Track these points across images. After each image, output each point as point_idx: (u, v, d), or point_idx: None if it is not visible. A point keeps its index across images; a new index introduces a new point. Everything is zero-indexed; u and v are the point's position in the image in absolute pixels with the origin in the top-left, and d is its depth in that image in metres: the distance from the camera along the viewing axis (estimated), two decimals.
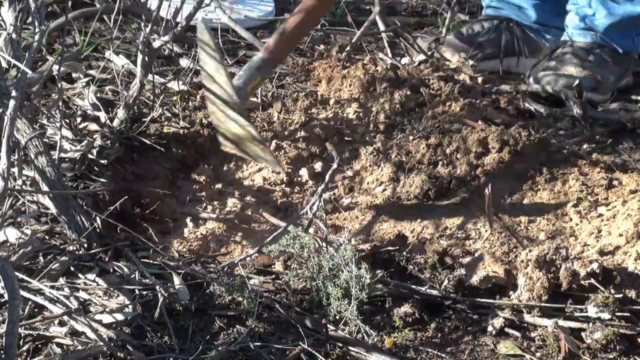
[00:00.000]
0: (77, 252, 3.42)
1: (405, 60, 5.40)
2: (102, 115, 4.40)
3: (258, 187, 4.20)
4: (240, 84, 3.63)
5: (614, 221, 3.69)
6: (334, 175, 4.02)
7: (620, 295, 3.28)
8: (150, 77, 4.46)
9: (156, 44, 4.23)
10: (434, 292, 3.39)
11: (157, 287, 3.18)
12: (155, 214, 3.97)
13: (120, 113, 4.32)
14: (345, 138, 4.40)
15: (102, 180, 3.91)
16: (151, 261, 3.46)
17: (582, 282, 3.35)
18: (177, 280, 3.31)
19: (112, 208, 3.64)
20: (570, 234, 3.62)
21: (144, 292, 3.25)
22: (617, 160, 4.15)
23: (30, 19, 3.68)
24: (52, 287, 3.20)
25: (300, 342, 3.06)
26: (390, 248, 3.60)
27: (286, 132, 4.41)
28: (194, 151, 4.39)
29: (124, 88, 4.50)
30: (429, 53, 5.35)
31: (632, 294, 3.33)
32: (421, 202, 3.93)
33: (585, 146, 4.40)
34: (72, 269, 3.36)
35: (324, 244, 3.42)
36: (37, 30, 3.55)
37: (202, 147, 4.40)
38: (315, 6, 3.93)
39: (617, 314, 3.24)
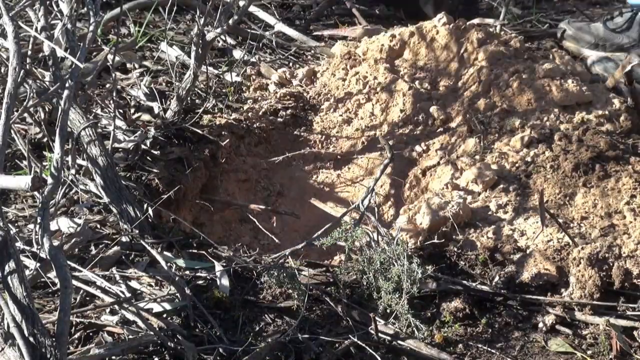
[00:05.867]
0: (129, 242, 3.44)
1: None
2: (156, 106, 4.42)
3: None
4: None
5: None
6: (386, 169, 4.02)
7: None
8: (203, 68, 4.48)
9: (210, 35, 4.25)
10: (485, 288, 3.37)
11: (207, 278, 3.21)
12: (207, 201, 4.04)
13: (174, 104, 4.34)
14: None
15: (155, 170, 3.93)
16: (202, 252, 3.47)
17: (635, 280, 3.32)
18: (219, 271, 3.32)
19: (164, 197, 3.67)
20: (624, 232, 3.58)
21: (194, 283, 3.27)
22: None
23: (85, 9, 3.70)
24: (104, 276, 3.23)
25: (349, 335, 3.06)
26: (440, 240, 3.61)
27: None
28: (244, 142, 4.43)
29: (178, 79, 4.51)
30: None
31: None
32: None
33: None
34: (123, 258, 3.38)
35: (375, 238, 3.42)
36: (92, 20, 3.57)
37: (251, 137, 4.44)
38: None
39: None
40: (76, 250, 3.40)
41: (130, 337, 2.93)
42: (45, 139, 3.94)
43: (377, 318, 3.12)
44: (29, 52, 3.87)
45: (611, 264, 3.34)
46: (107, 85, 4.64)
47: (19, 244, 3.25)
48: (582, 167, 3.90)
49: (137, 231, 3.46)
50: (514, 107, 4.46)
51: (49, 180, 2.83)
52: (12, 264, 2.65)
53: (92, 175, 3.62)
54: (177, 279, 3.17)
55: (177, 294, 3.14)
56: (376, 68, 4.98)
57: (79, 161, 3.70)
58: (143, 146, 4.03)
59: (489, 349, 3.12)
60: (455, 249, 3.56)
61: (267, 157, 4.56)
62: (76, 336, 2.97)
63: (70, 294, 2.63)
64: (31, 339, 2.52)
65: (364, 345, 3.03)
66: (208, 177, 4.23)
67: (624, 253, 3.41)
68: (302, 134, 4.75)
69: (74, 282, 3.09)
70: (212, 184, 4.27)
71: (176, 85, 4.42)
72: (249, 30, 5.55)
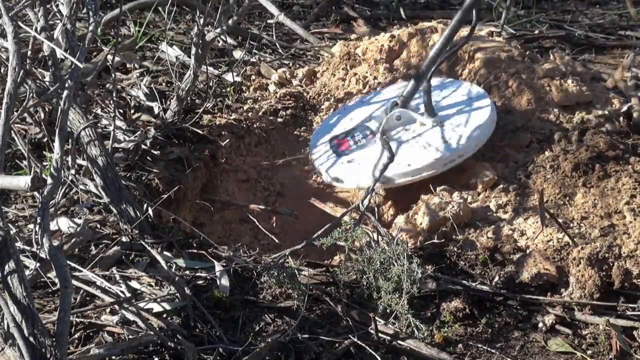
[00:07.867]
0: (129, 242, 3.44)
1: None
2: (156, 106, 4.42)
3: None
4: None
5: None
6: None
7: None
8: (203, 68, 4.48)
9: (210, 35, 4.25)
10: (485, 288, 3.37)
11: (207, 278, 3.21)
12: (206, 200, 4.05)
13: (174, 104, 4.34)
14: None
15: (155, 170, 3.93)
16: (202, 252, 3.47)
17: (635, 280, 3.32)
18: (219, 271, 3.31)
19: (164, 197, 3.67)
20: (624, 232, 3.58)
21: (194, 283, 3.27)
22: None
23: (85, 10, 3.71)
24: (104, 276, 3.23)
25: (349, 335, 3.06)
26: (440, 240, 3.61)
27: None
28: (244, 142, 4.44)
29: (178, 79, 4.51)
30: None
31: None
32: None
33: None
34: (123, 258, 3.38)
35: (375, 238, 3.42)
36: (91, 20, 3.57)
37: (251, 137, 4.44)
38: None
39: None
40: (76, 250, 3.40)
41: (130, 337, 2.93)
42: (45, 139, 3.94)
43: (377, 318, 3.12)
44: (29, 53, 3.87)
45: (611, 264, 3.33)
46: (107, 85, 4.64)
47: (19, 244, 3.25)
48: (582, 167, 3.90)
49: (137, 231, 3.46)
50: (514, 107, 4.45)
51: (49, 180, 2.83)
52: (12, 264, 2.65)
53: (92, 175, 3.62)
54: (177, 279, 3.16)
55: (177, 294, 3.14)
56: (376, 68, 4.99)
57: (79, 161, 3.71)
58: (143, 146, 4.02)
59: (489, 349, 3.11)
60: (455, 249, 3.55)
61: (267, 157, 4.56)
62: (76, 336, 2.97)
63: (70, 294, 2.63)
64: (31, 339, 2.52)
65: (364, 345, 3.03)
66: (208, 177, 4.23)
67: (624, 253, 3.41)
68: (302, 134, 4.75)
69: (74, 282, 3.09)
70: (212, 184, 4.27)
71: (176, 85, 4.42)
72: (249, 31, 5.54)
